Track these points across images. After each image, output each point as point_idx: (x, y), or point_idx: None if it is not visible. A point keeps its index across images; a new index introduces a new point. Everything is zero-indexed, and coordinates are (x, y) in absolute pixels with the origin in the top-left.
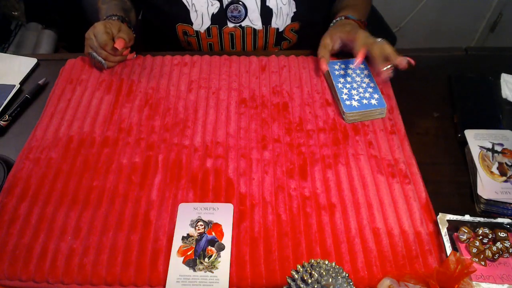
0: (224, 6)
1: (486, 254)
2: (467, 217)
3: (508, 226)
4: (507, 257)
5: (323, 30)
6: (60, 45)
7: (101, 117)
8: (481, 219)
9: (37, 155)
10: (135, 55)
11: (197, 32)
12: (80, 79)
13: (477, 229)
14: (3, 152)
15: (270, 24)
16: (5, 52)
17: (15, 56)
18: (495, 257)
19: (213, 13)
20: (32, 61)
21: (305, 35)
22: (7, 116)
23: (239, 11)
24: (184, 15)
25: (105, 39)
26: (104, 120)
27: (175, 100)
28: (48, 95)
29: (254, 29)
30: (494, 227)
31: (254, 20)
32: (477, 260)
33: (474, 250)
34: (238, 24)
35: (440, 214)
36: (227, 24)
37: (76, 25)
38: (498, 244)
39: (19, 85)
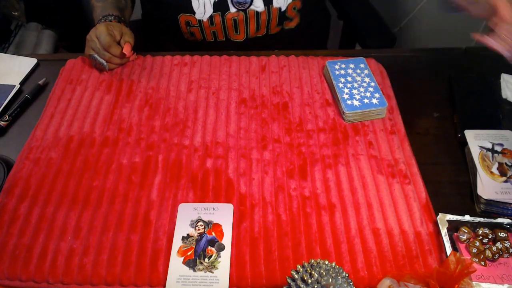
0: None
1: (486, 254)
2: (467, 217)
3: (508, 226)
4: (507, 257)
5: (325, 13)
6: (60, 45)
7: (101, 117)
8: (481, 219)
9: (37, 155)
10: (136, 56)
11: (199, 21)
12: (80, 79)
13: (477, 229)
14: (3, 152)
15: (272, 3)
16: (5, 52)
17: (15, 56)
18: (495, 257)
19: (215, 0)
20: (32, 61)
21: (307, 18)
22: (7, 116)
23: None
24: (186, 4)
25: (109, 40)
26: (104, 120)
27: (175, 100)
28: (48, 95)
29: (257, 12)
30: (494, 227)
31: (256, 2)
32: (477, 260)
33: (474, 250)
34: (242, 10)
35: (440, 214)
36: (229, 10)
37: (76, 25)
38: (498, 244)
39: (19, 85)
